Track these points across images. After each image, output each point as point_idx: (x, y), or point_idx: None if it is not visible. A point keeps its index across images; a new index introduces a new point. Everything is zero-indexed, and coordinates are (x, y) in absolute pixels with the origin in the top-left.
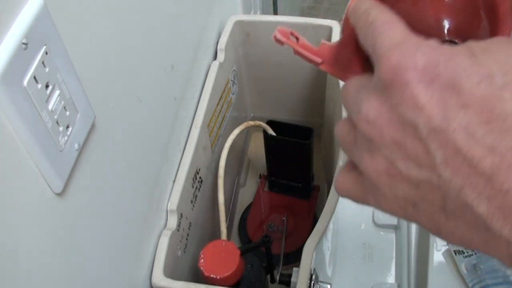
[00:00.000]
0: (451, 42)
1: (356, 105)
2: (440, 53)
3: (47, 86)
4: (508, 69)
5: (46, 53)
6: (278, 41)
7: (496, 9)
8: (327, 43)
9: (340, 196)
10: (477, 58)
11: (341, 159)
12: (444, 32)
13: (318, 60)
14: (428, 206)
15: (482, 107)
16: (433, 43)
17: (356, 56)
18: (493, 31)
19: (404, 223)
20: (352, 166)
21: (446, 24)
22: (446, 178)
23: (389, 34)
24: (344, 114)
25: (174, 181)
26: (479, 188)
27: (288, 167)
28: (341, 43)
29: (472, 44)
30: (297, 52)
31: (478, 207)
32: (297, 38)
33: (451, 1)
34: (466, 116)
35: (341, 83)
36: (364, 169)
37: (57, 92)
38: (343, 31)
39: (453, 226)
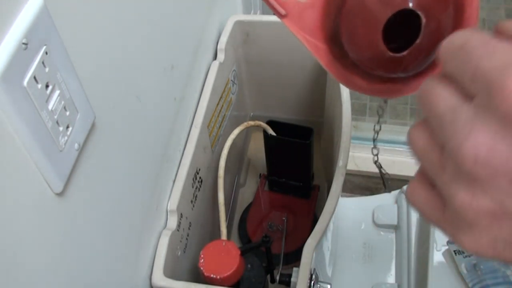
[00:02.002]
0: (413, 13)
1: (453, 128)
2: None
3: (47, 86)
4: None
5: (46, 53)
6: None
7: (463, 8)
8: None
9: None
10: None
11: (341, 159)
12: (408, 1)
13: (282, 11)
14: None
15: None
16: None
17: (321, 21)
18: (457, 24)
19: (404, 223)
20: (426, 178)
21: None
22: None
23: (494, 54)
24: (346, 114)
25: (174, 181)
26: None
27: (288, 167)
28: (309, 1)
29: None
30: None
31: None
32: None
33: None
34: None
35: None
36: (457, 206)
37: (57, 92)
38: None
39: None
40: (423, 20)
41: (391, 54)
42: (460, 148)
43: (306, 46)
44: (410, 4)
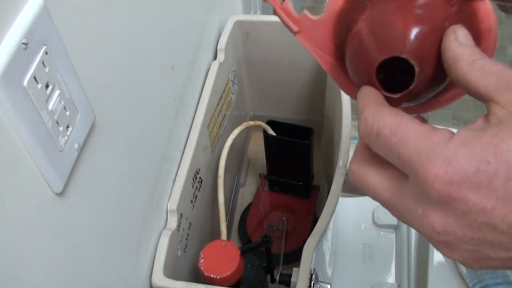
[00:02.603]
0: (405, 61)
1: (408, 213)
2: (481, 148)
3: (47, 86)
4: None
5: (46, 53)
6: None
7: (479, 41)
8: (309, 15)
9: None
10: None
11: (341, 159)
12: (405, 47)
13: (295, 28)
14: None
15: None
16: (461, 136)
17: (331, 37)
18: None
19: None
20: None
21: (409, 42)
22: None
23: (408, 143)
24: (346, 114)
25: (174, 181)
26: None
27: (288, 167)
28: (321, 20)
29: (504, 123)
30: (277, 14)
31: None
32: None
33: (421, 19)
34: None
35: None
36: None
37: (57, 92)
38: (326, 9)
39: None
40: (416, 69)
41: (384, 93)
42: (422, 226)
43: (317, 59)
44: (404, 55)
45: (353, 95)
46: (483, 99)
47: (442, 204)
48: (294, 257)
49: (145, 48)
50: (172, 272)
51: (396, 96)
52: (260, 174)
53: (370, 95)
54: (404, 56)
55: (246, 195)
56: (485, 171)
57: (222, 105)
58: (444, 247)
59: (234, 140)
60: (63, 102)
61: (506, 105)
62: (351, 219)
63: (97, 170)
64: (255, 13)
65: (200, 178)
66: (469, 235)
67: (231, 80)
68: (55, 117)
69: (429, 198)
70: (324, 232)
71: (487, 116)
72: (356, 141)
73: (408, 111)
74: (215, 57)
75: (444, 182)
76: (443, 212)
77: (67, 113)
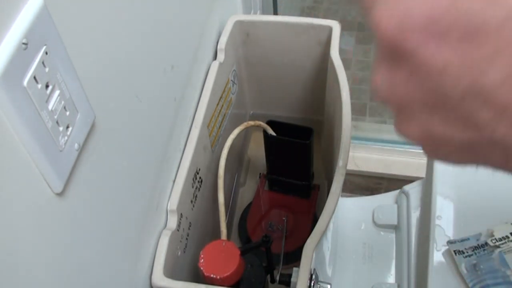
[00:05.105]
0: None
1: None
2: None
3: (47, 86)
4: None
5: (46, 53)
6: None
7: None
8: None
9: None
10: None
11: (341, 159)
12: None
13: None
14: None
15: None
16: None
17: None
18: None
19: (404, 223)
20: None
21: None
22: (500, 135)
23: None
24: (346, 114)
25: (174, 181)
26: None
27: (288, 167)
28: None
29: None
30: None
31: None
32: None
33: None
34: (502, 65)
35: (341, 80)
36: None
37: (57, 92)
38: None
39: None
40: None
41: None
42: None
43: None
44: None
45: None
46: None
47: (390, 58)
48: (294, 257)
49: (145, 48)
50: (172, 272)
51: None
52: (260, 174)
53: None
54: None
55: (246, 195)
56: (440, 20)
57: (222, 105)
58: (398, 115)
59: (234, 140)
60: (63, 102)
61: None
62: (351, 219)
63: (97, 170)
64: (255, 13)
65: (200, 178)
66: (421, 100)
67: (231, 80)
68: (55, 117)
69: (379, 49)
70: (324, 232)
71: None
72: (356, 142)
73: None
74: (215, 57)
75: (388, 29)
76: (392, 68)
77: (67, 113)
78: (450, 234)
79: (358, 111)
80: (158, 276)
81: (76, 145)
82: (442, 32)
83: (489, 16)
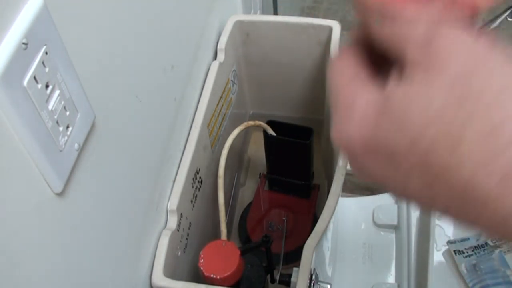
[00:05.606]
0: None
1: None
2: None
3: (47, 86)
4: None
5: (46, 53)
6: None
7: None
8: None
9: None
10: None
11: (341, 159)
12: None
13: None
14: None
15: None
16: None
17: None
18: None
19: (404, 223)
20: None
21: None
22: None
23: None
24: None
25: (174, 181)
26: None
27: (288, 167)
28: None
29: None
30: None
31: None
32: None
33: None
34: (417, 181)
35: None
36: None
37: (57, 92)
38: None
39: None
40: None
41: None
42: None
43: None
44: None
45: None
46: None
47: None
48: (294, 257)
49: (145, 48)
50: (172, 272)
51: None
52: (260, 174)
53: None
54: None
55: (246, 194)
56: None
57: (222, 105)
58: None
59: (234, 140)
60: (63, 102)
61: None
62: (351, 219)
63: (97, 170)
64: (255, 13)
65: (200, 178)
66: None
67: (231, 80)
68: (55, 117)
69: None
70: (324, 232)
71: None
72: None
73: None
74: (215, 57)
75: (339, 142)
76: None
77: (67, 113)
78: (450, 234)
79: None
80: (158, 276)
81: (76, 145)
82: (374, 151)
83: (398, 144)
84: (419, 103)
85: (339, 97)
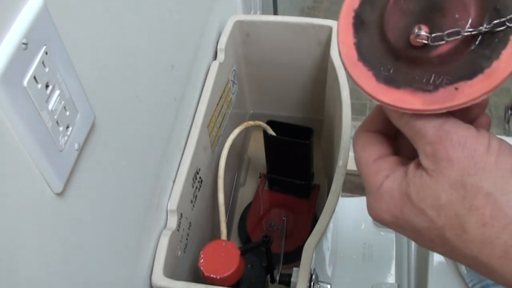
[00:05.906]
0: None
1: None
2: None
3: (47, 86)
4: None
5: (46, 53)
6: None
7: None
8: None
9: None
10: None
11: (341, 159)
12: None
13: None
14: None
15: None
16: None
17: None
18: None
19: None
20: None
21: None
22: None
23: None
24: (346, 114)
25: (174, 181)
26: None
27: (288, 167)
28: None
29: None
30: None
31: None
32: None
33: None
34: (439, 246)
35: (341, 80)
36: None
37: (57, 92)
38: None
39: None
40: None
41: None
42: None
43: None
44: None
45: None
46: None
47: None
48: (294, 257)
49: (145, 48)
50: (172, 272)
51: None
52: (260, 174)
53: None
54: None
55: (246, 194)
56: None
57: (222, 105)
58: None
59: (234, 140)
60: (63, 102)
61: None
62: (351, 219)
63: (97, 170)
64: (255, 13)
65: (200, 178)
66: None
67: (231, 80)
68: (55, 117)
69: None
70: (324, 232)
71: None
72: None
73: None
74: (215, 57)
75: (373, 216)
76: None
77: (67, 113)
78: None
79: (358, 111)
80: (158, 276)
81: (76, 145)
82: (401, 226)
83: (419, 224)
84: (431, 195)
85: (369, 176)
